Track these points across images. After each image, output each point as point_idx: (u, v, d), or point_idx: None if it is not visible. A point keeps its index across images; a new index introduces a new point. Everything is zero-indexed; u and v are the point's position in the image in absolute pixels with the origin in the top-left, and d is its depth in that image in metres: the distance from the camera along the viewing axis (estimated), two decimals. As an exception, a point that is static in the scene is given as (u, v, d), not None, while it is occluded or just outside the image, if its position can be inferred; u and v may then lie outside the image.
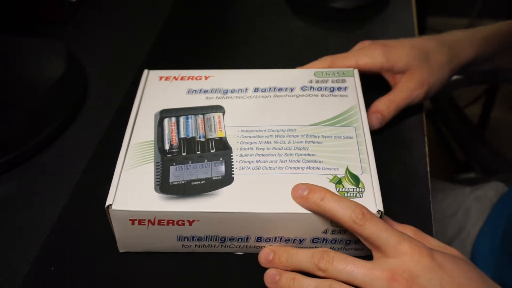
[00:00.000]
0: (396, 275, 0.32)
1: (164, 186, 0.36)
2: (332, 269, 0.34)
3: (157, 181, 0.36)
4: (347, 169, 0.37)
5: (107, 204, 0.35)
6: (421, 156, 0.47)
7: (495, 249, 0.59)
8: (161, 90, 0.44)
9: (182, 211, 0.35)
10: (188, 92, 0.44)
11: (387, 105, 0.47)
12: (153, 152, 0.38)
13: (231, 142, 0.39)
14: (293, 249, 0.36)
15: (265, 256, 0.37)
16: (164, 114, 0.41)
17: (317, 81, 0.44)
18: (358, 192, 0.36)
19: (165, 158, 0.38)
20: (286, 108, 0.42)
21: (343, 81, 0.44)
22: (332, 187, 0.36)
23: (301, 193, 0.35)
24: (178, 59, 0.59)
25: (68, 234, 0.41)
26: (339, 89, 0.44)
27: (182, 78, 0.45)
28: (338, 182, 0.36)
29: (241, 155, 0.38)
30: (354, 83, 0.44)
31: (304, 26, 0.65)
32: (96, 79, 0.56)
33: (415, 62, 0.48)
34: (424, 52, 0.49)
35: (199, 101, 0.43)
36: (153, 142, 0.39)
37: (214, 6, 0.68)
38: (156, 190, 0.36)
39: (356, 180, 0.37)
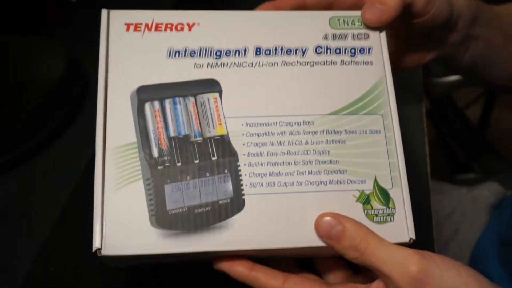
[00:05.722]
0: None
1: (160, 216, 0.30)
2: None
3: (152, 210, 0.30)
4: (375, 181, 0.32)
5: (94, 248, 0.29)
6: (421, 156, 0.47)
7: (493, 257, 0.59)
8: (131, 51, 0.34)
9: (188, 252, 0.30)
10: (169, 55, 0.34)
11: None
12: (139, 161, 0.31)
13: (235, 142, 0.32)
14: None
15: None
16: (143, 95, 0.33)
17: (333, 36, 0.36)
18: (389, 215, 0.32)
19: (156, 173, 0.31)
20: (299, 85, 0.34)
21: (366, 36, 0.36)
22: (359, 208, 0.32)
23: (329, 231, 0.30)
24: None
25: (68, 234, 0.41)
26: (361, 51, 0.36)
27: (157, 28, 0.35)
28: (366, 201, 0.32)
29: (249, 164, 0.32)
30: (379, 41, 0.36)
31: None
32: (96, 79, 0.56)
33: None
34: None
35: (186, 71, 0.34)
36: (135, 144, 0.32)
37: (214, 6, 0.68)
38: (151, 223, 0.30)
39: (386, 197, 0.32)
